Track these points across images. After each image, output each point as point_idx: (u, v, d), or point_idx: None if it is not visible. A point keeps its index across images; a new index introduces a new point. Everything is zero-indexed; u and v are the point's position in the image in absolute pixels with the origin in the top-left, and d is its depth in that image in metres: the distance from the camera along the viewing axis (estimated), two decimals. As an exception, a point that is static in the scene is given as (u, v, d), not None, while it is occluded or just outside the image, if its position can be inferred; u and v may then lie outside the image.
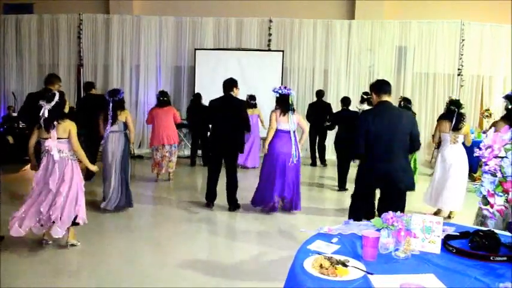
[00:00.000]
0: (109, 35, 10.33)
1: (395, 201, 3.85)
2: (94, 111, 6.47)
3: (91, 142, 6.70)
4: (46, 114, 3.91)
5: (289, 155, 5.34)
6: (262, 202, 5.55)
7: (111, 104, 5.42)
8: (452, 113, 5.33)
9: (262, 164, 5.64)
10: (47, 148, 3.99)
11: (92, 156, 6.36)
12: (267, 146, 5.54)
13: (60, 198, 3.97)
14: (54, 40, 10.38)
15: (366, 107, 8.56)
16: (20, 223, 3.95)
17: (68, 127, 4.07)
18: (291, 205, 5.55)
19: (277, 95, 5.49)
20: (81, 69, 10.38)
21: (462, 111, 5.37)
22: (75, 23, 10.31)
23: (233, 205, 5.68)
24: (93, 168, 4.50)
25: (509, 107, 4.46)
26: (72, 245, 4.21)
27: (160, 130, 7.08)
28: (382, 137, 3.75)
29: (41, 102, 3.94)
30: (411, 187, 3.97)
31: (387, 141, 3.76)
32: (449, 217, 5.55)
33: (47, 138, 3.99)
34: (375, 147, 3.77)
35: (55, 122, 3.97)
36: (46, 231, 4.15)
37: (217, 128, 5.63)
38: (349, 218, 3.96)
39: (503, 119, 4.41)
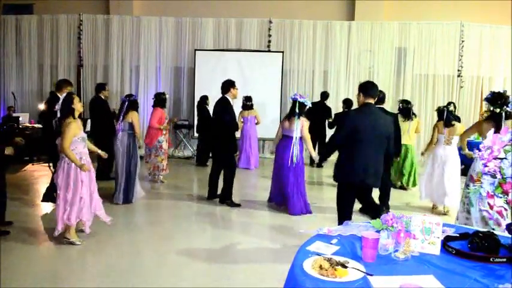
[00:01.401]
0: (109, 35, 10.33)
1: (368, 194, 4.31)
2: (96, 115, 6.66)
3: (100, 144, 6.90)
4: (58, 115, 4.13)
5: (286, 160, 5.42)
6: (273, 200, 5.93)
7: (126, 103, 5.96)
8: (442, 112, 5.69)
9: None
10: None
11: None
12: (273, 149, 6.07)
13: (76, 200, 4.12)
14: (54, 40, 10.38)
15: None
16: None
17: (63, 127, 4.09)
18: (290, 208, 5.55)
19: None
20: (81, 70, 10.38)
21: (451, 109, 5.79)
22: (75, 23, 10.31)
23: (222, 198, 5.91)
24: (85, 167, 4.11)
25: (492, 109, 4.46)
26: (70, 243, 4.21)
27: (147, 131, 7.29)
28: (364, 136, 3.87)
29: (56, 107, 4.16)
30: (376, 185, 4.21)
31: (367, 140, 3.88)
32: (444, 214, 5.65)
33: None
34: (356, 144, 3.88)
35: (59, 124, 4.13)
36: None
37: (212, 129, 6.03)
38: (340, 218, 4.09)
39: (489, 119, 4.38)
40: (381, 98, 5.34)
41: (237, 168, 8.32)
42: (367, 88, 4.00)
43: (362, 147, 3.87)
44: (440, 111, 5.77)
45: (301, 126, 5.40)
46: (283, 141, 5.57)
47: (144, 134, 7.32)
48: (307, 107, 5.50)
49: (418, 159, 7.32)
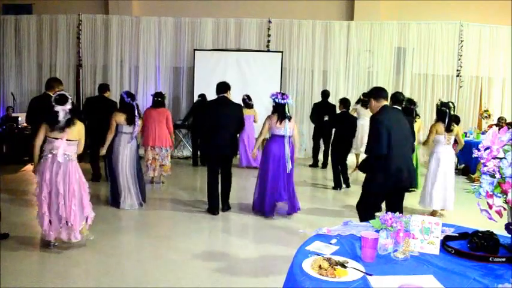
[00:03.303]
0: (108, 35, 10.30)
1: (401, 199, 4.14)
2: (103, 114, 6.58)
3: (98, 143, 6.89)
4: (65, 116, 3.98)
5: (284, 159, 5.36)
6: (263, 207, 5.46)
7: (135, 107, 5.61)
8: (444, 115, 5.53)
9: (260, 168, 5.58)
10: (54, 148, 3.99)
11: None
12: (255, 151, 5.97)
13: (72, 202, 4.04)
14: (53, 40, 10.34)
15: (359, 107, 8.64)
16: (48, 227, 4.07)
17: (82, 130, 4.14)
18: (291, 207, 5.54)
19: (274, 104, 5.48)
20: (80, 70, 10.35)
21: (453, 112, 5.61)
22: (75, 23, 10.27)
23: (226, 206, 5.71)
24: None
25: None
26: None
27: (152, 131, 6.88)
28: (398, 139, 3.83)
29: (57, 108, 3.98)
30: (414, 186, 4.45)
31: (401, 141, 3.87)
32: (440, 215, 5.65)
33: (57, 138, 4.00)
34: (394, 148, 3.80)
35: (71, 124, 4.03)
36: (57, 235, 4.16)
37: (213, 129, 5.50)
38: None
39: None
40: (401, 99, 5.29)
41: (237, 168, 8.40)
42: (377, 91, 4.02)
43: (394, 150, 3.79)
44: (442, 113, 5.58)
45: (293, 126, 5.46)
46: (278, 142, 5.40)
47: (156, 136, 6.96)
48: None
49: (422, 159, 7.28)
